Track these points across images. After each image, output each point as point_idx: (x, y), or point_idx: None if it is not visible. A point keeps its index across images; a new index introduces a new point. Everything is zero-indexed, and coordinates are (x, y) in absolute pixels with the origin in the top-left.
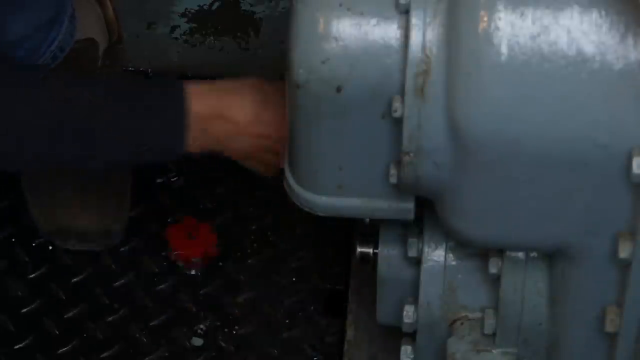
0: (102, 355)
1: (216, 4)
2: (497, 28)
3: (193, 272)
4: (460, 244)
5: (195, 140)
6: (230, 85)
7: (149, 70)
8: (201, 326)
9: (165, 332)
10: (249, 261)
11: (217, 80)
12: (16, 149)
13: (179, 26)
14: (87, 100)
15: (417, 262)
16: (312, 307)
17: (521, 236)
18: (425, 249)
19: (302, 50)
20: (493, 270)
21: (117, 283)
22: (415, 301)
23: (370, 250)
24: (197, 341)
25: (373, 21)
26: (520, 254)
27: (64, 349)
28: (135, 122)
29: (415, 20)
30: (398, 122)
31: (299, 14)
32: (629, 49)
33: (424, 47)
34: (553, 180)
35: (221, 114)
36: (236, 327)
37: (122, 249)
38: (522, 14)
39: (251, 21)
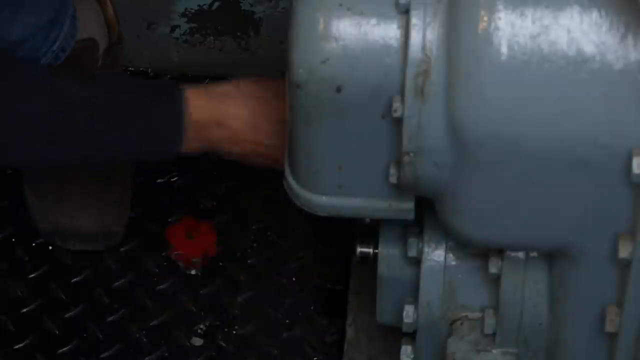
0: (102, 355)
1: (216, 4)
2: (497, 28)
3: (193, 272)
4: (460, 244)
5: (191, 144)
6: (228, 89)
7: (149, 70)
8: (201, 326)
9: (165, 332)
10: (249, 261)
11: (216, 83)
12: (13, 144)
13: (179, 26)
14: (87, 100)
15: (417, 262)
16: (312, 307)
17: (521, 236)
18: (425, 249)
19: (302, 50)
20: (493, 270)
21: (117, 283)
22: (415, 301)
23: (370, 250)
24: (197, 341)
25: (373, 21)
26: (520, 254)
27: (64, 349)
28: (132, 125)
29: (415, 20)
30: (398, 122)
31: (299, 14)
32: (629, 49)
33: (424, 47)
34: (553, 181)
35: (218, 120)
36: (236, 327)
37: (122, 249)
38: (522, 14)
39: (251, 21)
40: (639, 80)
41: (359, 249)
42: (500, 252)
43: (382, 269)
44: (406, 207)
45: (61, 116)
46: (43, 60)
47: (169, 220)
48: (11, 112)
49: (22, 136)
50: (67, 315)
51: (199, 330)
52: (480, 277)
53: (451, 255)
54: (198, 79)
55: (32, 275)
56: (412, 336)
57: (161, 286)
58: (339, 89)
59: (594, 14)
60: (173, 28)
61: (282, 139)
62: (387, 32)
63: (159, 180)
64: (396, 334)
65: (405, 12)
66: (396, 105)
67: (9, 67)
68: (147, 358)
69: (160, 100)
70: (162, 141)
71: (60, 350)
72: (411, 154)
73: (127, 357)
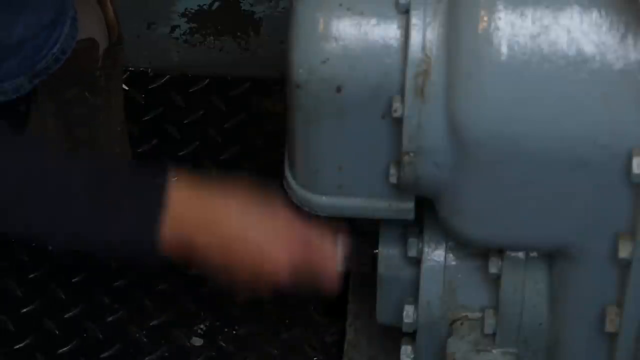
0: (102, 355)
1: (216, 4)
2: (497, 28)
3: (193, 271)
4: (460, 244)
5: (171, 247)
6: (218, 193)
7: (149, 70)
8: (201, 326)
9: (165, 332)
10: None
11: (206, 180)
12: None
13: (179, 26)
14: (68, 181)
15: (417, 262)
16: (312, 307)
17: (521, 236)
18: (425, 249)
19: (302, 50)
20: (493, 270)
21: (117, 283)
22: (415, 301)
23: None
24: (197, 341)
25: (373, 21)
26: (520, 254)
27: (64, 349)
28: (111, 217)
29: (415, 20)
30: (398, 122)
31: (299, 14)
32: (629, 49)
33: (424, 47)
34: (553, 181)
35: (205, 222)
36: (236, 327)
37: None
38: (522, 14)
39: (251, 21)
40: (639, 80)
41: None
42: (500, 252)
43: (382, 269)
44: (406, 207)
45: (37, 190)
46: (44, 62)
47: None
48: None
49: None
50: (67, 315)
51: (199, 330)
52: (480, 277)
53: (451, 255)
54: (198, 79)
55: (32, 275)
56: (412, 336)
57: (161, 286)
58: (339, 89)
59: (594, 14)
60: (173, 28)
61: (273, 256)
62: (387, 32)
63: None
64: (396, 334)
65: (405, 12)
66: (396, 105)
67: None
68: (147, 358)
69: (142, 199)
70: (137, 234)
71: (60, 350)
72: (411, 154)
73: (127, 357)
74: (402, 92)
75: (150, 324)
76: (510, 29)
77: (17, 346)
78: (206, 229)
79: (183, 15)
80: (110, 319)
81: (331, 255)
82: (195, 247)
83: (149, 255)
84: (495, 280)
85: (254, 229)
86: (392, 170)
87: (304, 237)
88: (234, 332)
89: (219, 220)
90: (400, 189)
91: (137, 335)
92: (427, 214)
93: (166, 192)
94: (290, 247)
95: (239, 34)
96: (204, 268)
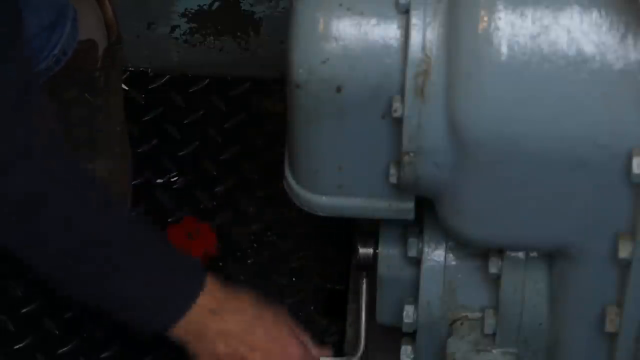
0: (102, 356)
1: (216, 4)
2: (497, 28)
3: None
4: (460, 244)
5: (180, 332)
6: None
7: (149, 70)
8: None
9: None
10: (249, 261)
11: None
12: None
13: (179, 26)
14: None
15: (417, 262)
16: (312, 307)
17: (521, 236)
18: (425, 249)
19: (302, 50)
20: (493, 270)
21: None
22: (415, 301)
23: (371, 250)
24: None
25: (373, 21)
26: (520, 254)
27: (64, 349)
28: (142, 281)
29: (415, 20)
30: (398, 122)
31: (299, 14)
32: (629, 49)
33: (424, 47)
34: (553, 181)
35: (217, 329)
36: None
37: None
38: (522, 14)
39: (251, 21)
40: (639, 80)
41: (360, 250)
42: (500, 252)
43: (382, 269)
44: (406, 207)
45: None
46: (44, 63)
47: (169, 220)
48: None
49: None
50: (67, 315)
51: None
52: (480, 277)
53: (451, 255)
54: (198, 79)
55: (32, 276)
56: (412, 336)
57: None
58: (339, 89)
59: (594, 14)
60: (173, 28)
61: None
62: (387, 32)
63: (159, 180)
64: (396, 334)
65: (405, 12)
66: (396, 105)
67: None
68: (147, 358)
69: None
70: (161, 308)
71: (60, 350)
72: (411, 154)
73: (127, 357)
74: (402, 92)
75: None
76: (510, 29)
77: (17, 346)
78: (218, 328)
79: (183, 15)
80: (110, 319)
81: None
82: (203, 341)
83: (158, 330)
84: (495, 280)
85: (260, 338)
86: (392, 170)
87: (301, 350)
88: None
89: (230, 324)
90: (400, 189)
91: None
92: (427, 214)
93: (203, 280)
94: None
95: (239, 34)
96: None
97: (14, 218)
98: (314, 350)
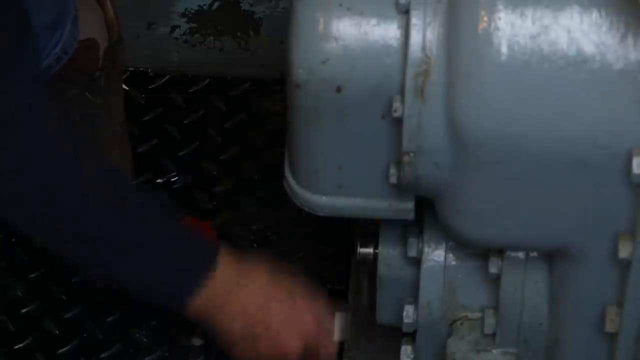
0: (102, 356)
1: (216, 4)
2: (497, 28)
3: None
4: (460, 244)
5: (197, 308)
6: (250, 271)
7: (149, 70)
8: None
9: (165, 332)
10: None
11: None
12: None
13: (179, 26)
14: (130, 221)
15: (417, 262)
16: None
17: (521, 236)
18: (425, 249)
19: (302, 50)
20: (493, 270)
21: None
22: (415, 301)
23: (371, 250)
24: (197, 341)
25: (373, 21)
26: (520, 254)
27: (64, 349)
28: (159, 259)
29: (415, 20)
30: (398, 122)
31: (299, 14)
32: (629, 49)
33: (424, 47)
34: (553, 181)
35: (234, 302)
36: None
37: None
38: (522, 14)
39: (251, 21)
40: (639, 80)
41: (359, 250)
42: (500, 252)
43: (382, 269)
44: (406, 207)
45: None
46: (46, 62)
47: None
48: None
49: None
50: (67, 315)
51: (199, 331)
52: (480, 277)
53: (451, 255)
54: (198, 79)
55: (32, 275)
56: (412, 336)
57: None
58: (339, 89)
59: (594, 14)
60: (173, 28)
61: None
62: (387, 32)
63: (158, 180)
64: (396, 334)
65: (405, 12)
66: (396, 105)
67: (78, 147)
68: (147, 358)
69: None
70: (176, 285)
71: (60, 350)
72: (411, 154)
73: (127, 357)
74: (402, 92)
75: (151, 324)
76: (510, 29)
77: (17, 346)
78: (234, 304)
79: (183, 15)
80: (110, 319)
81: (331, 327)
82: (219, 318)
83: (176, 307)
84: (495, 280)
85: (276, 314)
86: (392, 170)
87: (316, 318)
88: None
89: (246, 300)
90: (400, 189)
91: (137, 335)
92: (427, 214)
93: (216, 256)
94: (305, 331)
95: (239, 34)
96: (220, 337)
97: (34, 205)
98: (329, 307)
